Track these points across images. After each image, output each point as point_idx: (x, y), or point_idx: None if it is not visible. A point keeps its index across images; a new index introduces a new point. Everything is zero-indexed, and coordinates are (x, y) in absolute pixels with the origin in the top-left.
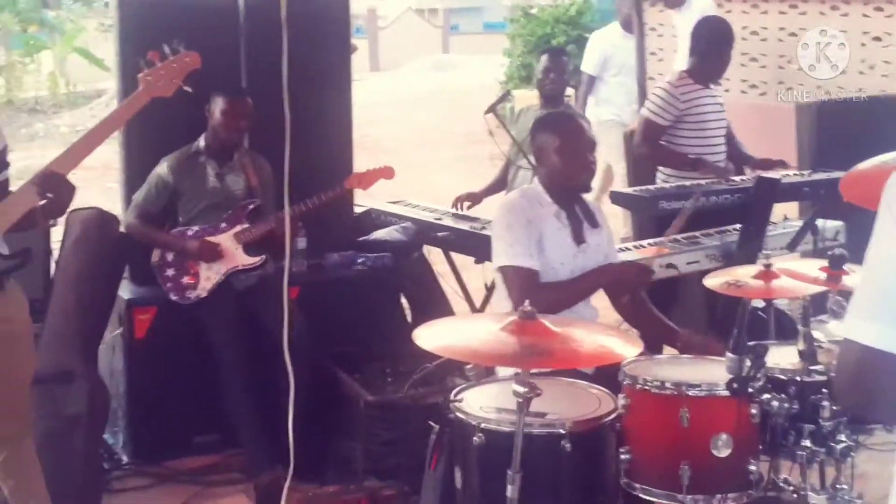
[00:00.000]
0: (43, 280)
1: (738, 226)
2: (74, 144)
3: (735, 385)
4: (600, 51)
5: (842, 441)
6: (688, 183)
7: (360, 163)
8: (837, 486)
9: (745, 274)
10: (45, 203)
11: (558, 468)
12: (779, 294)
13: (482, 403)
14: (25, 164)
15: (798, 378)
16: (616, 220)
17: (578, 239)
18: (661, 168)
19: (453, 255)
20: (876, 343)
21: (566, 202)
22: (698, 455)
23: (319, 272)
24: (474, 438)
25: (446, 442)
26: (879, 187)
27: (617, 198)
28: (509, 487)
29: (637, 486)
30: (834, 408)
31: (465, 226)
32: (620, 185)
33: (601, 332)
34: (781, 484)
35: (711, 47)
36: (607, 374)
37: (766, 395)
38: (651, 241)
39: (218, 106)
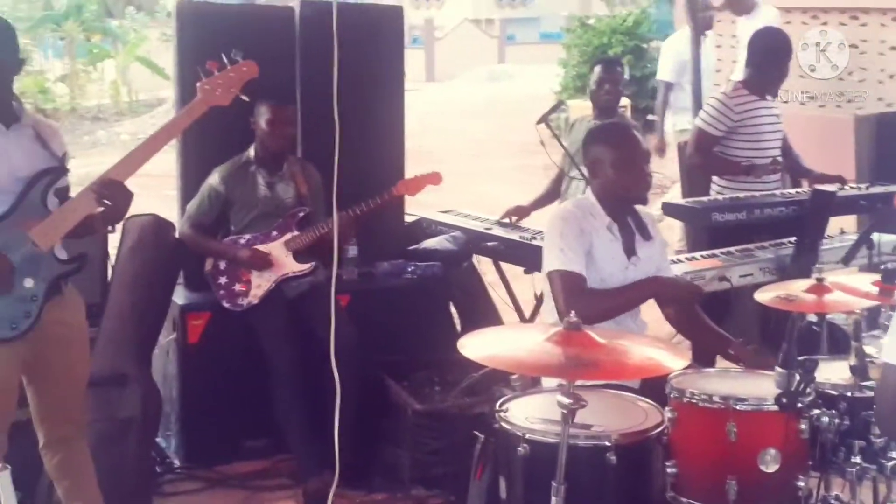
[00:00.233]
0: (100, 285)
1: (793, 239)
2: (132, 152)
3: (784, 400)
4: (675, 56)
5: (893, 458)
6: (741, 194)
7: (414, 172)
8: (889, 503)
9: (797, 288)
10: (103, 210)
11: (603, 481)
12: (831, 308)
13: (528, 414)
14: (87, 171)
15: (849, 394)
16: (671, 233)
17: (630, 252)
18: (715, 179)
19: (503, 265)
20: None
21: (619, 214)
22: (745, 470)
23: (370, 280)
24: (519, 449)
25: (491, 452)
26: None
27: (669, 209)
28: (553, 499)
29: (683, 500)
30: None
31: (514, 236)
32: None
33: (648, 344)
34: (832, 501)
35: (767, 59)
36: (654, 387)
37: (816, 411)
38: (704, 253)
39: (262, 115)
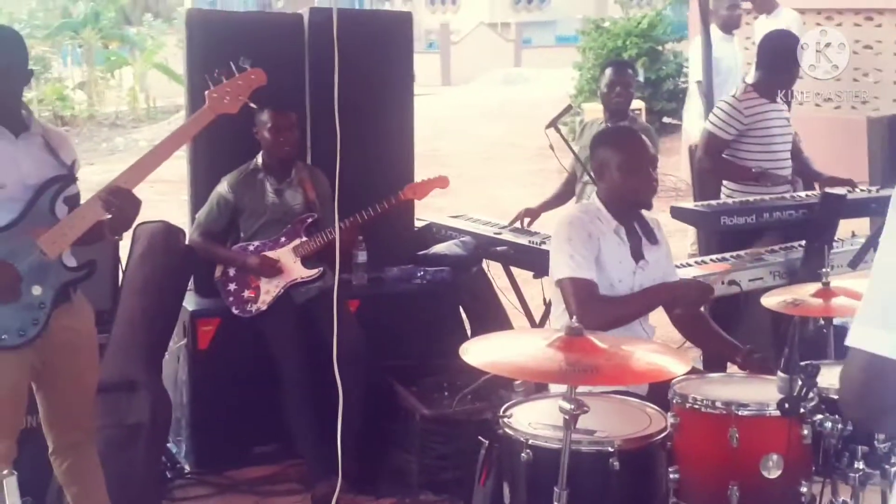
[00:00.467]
0: (111, 292)
1: (803, 242)
2: (140, 160)
3: (786, 405)
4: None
5: None
6: (751, 198)
7: (426, 176)
8: None
9: (803, 292)
10: (112, 217)
11: (606, 486)
12: (837, 312)
13: (531, 419)
14: (105, 177)
15: None
16: (686, 237)
17: (637, 256)
18: (725, 183)
19: (514, 270)
20: (883, 351)
21: (626, 218)
22: (748, 476)
23: (379, 286)
24: (522, 455)
25: (495, 457)
26: None
27: (678, 213)
28: None
29: None
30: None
31: (524, 240)
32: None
33: (650, 349)
34: None
35: (777, 61)
36: (661, 393)
37: (819, 416)
38: (714, 257)
39: (264, 123)
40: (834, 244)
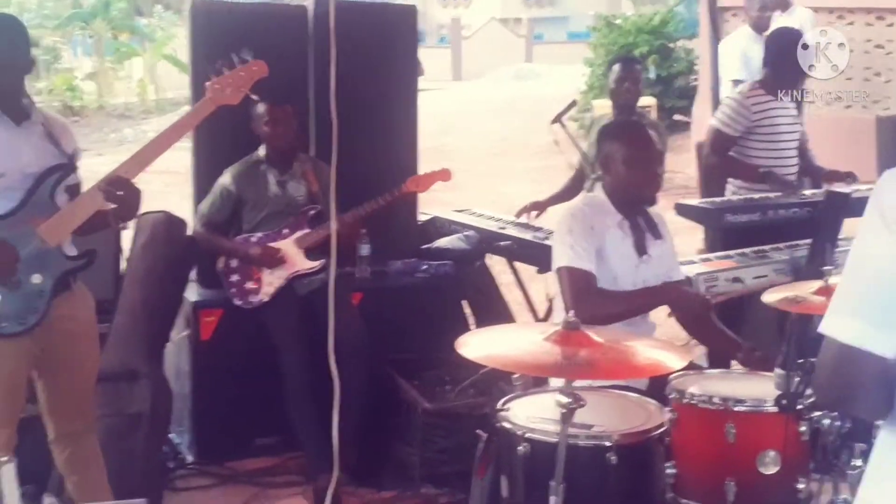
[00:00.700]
0: (113, 282)
1: (808, 240)
2: (141, 150)
3: (783, 401)
4: (740, 53)
5: None
6: (756, 196)
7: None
8: None
9: (805, 290)
10: (115, 207)
11: (603, 481)
12: None
13: (529, 413)
14: (113, 168)
15: None
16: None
17: (641, 250)
18: (730, 180)
19: (518, 264)
20: (853, 341)
21: (630, 212)
22: (744, 472)
23: (382, 279)
24: (519, 448)
25: (493, 451)
26: None
27: (683, 209)
28: (552, 499)
29: (683, 501)
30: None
31: (528, 235)
32: None
33: (648, 344)
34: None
35: (783, 59)
36: (661, 388)
37: (817, 413)
38: (719, 254)
39: (259, 116)
40: (838, 242)
